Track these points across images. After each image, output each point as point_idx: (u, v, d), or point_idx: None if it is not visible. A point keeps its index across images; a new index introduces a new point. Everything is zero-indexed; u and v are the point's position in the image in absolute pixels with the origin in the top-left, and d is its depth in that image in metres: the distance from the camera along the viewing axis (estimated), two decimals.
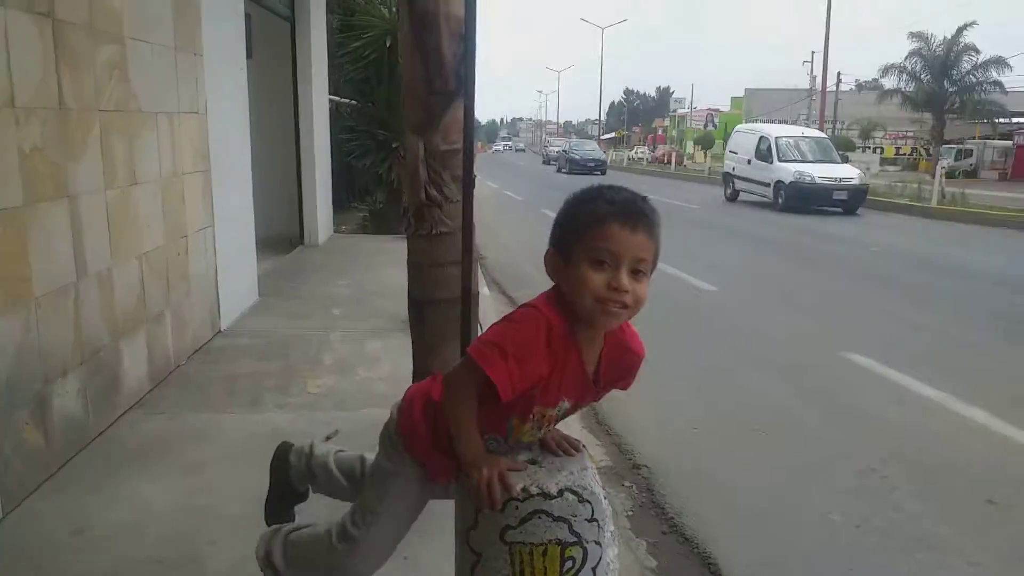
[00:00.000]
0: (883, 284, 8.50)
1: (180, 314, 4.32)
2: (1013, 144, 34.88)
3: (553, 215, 1.55)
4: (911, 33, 33.74)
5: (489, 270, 8.47)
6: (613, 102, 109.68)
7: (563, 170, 34.84)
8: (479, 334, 1.66)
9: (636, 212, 1.43)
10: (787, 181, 16.90)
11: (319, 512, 2.09)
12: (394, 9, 9.49)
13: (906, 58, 33.76)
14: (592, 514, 1.45)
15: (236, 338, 4.92)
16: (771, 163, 17.78)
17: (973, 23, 32.39)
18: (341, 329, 5.20)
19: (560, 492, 1.44)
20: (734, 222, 15.38)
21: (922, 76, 33.49)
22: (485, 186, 20.73)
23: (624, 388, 1.63)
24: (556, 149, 45.19)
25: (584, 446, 1.64)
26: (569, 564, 1.44)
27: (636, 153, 54.21)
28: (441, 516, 1.78)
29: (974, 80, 32.88)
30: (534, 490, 1.44)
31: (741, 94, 59.71)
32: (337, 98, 10.82)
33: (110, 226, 3.44)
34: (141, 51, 3.76)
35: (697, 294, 7.55)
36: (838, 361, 5.27)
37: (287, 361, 4.48)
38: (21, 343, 2.75)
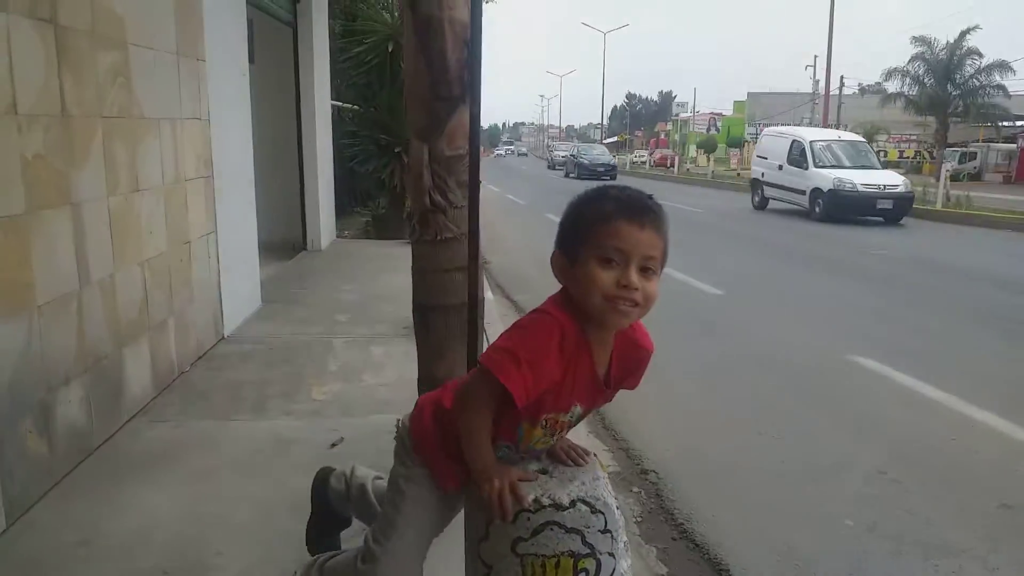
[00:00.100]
0: (889, 287, 8.47)
1: (183, 321, 4.30)
2: (1017, 147, 34.83)
3: (557, 219, 1.53)
4: (914, 37, 33.69)
5: (493, 274, 8.44)
6: (615, 106, 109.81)
7: (571, 175, 34.40)
8: (486, 341, 1.63)
9: (643, 209, 1.41)
10: (825, 189, 15.53)
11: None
12: (396, 14, 9.51)
13: (909, 62, 33.70)
14: (605, 525, 1.42)
15: (240, 344, 4.90)
16: (806, 169, 16.42)
17: (976, 27, 32.37)
18: (345, 335, 5.18)
19: (572, 503, 1.41)
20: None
21: (925, 80, 33.42)
22: (488, 190, 20.66)
23: (632, 387, 1.60)
24: (562, 154, 44.54)
25: (595, 455, 1.61)
26: None
27: (636, 157, 54.18)
28: (451, 528, 1.76)
29: (977, 84, 32.79)
30: (546, 501, 1.41)
31: (744, 98, 59.76)
32: (339, 103, 10.82)
33: (113, 233, 3.42)
34: (143, 57, 3.75)
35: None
36: (844, 364, 5.23)
37: (291, 367, 4.46)
38: (24, 351, 2.73)
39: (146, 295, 3.79)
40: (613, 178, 31.64)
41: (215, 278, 4.85)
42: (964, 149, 36.32)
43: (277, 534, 2.60)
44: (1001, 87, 32.62)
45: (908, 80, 34.10)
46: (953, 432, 4.04)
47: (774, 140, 18.75)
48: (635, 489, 3.36)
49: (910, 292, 8.15)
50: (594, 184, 1.60)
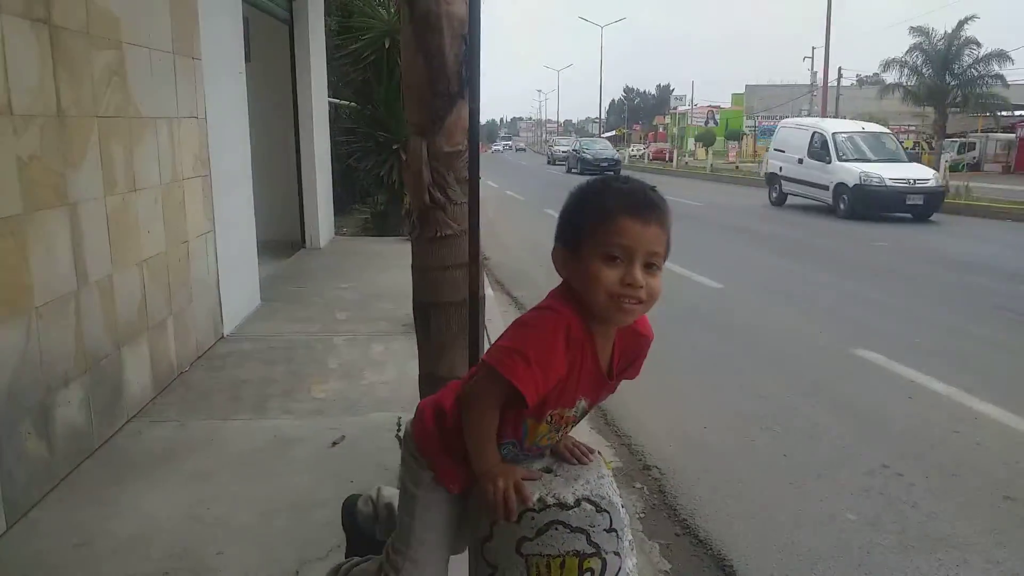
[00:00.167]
0: (892, 279, 8.45)
1: (182, 320, 4.28)
2: (1016, 137, 34.77)
3: (556, 215, 1.51)
4: (912, 27, 33.62)
5: (492, 271, 8.42)
6: (613, 100, 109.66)
7: (573, 170, 33.70)
8: (487, 338, 1.61)
9: (647, 204, 1.39)
10: (851, 184, 14.49)
11: None
12: (392, 10, 9.46)
13: (907, 53, 33.64)
14: (611, 524, 1.41)
15: (239, 343, 4.89)
16: (829, 163, 15.35)
17: (974, 17, 32.31)
18: (345, 333, 5.16)
19: (577, 502, 1.40)
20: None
21: (923, 70, 33.37)
22: (487, 186, 20.54)
23: (632, 377, 1.58)
24: (563, 148, 43.83)
25: (600, 453, 1.59)
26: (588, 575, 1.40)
27: (633, 151, 54.06)
28: None
29: (976, 74, 32.74)
30: (550, 500, 1.39)
31: (742, 90, 59.63)
32: (337, 100, 10.79)
33: (110, 233, 3.40)
34: (139, 56, 3.73)
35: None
36: (847, 357, 5.22)
37: (291, 366, 4.44)
38: (23, 353, 2.71)
39: (145, 295, 3.78)
40: (617, 174, 31.21)
41: (214, 277, 4.83)
42: (963, 139, 36.28)
43: (278, 534, 2.59)
44: (1000, 77, 32.58)
45: (906, 71, 34.06)
46: (956, 425, 4.03)
47: (792, 132, 17.54)
48: (638, 485, 3.35)
49: (911, 284, 8.14)
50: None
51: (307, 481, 2.99)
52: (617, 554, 1.42)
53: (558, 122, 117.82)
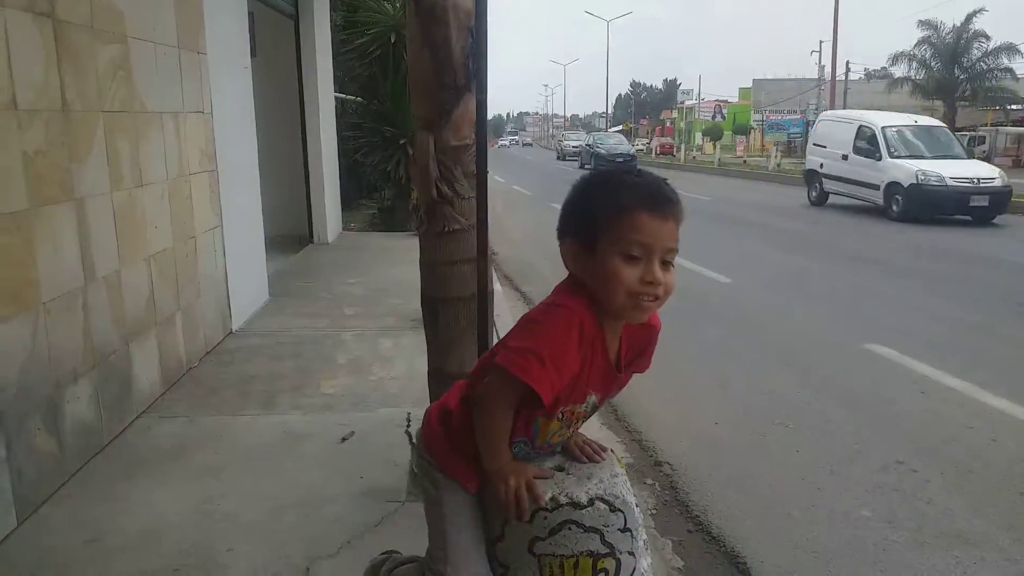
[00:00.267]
0: (901, 274, 8.39)
1: (191, 316, 4.27)
2: None
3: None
4: (920, 21, 33.47)
5: (500, 266, 8.41)
6: (620, 94, 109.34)
7: (587, 166, 33.18)
8: (496, 333, 1.57)
9: (664, 199, 1.36)
10: (906, 183, 13.12)
11: None
12: (398, 4, 9.43)
13: (915, 46, 33.48)
14: (625, 523, 1.38)
15: (248, 339, 4.88)
16: (879, 159, 14.00)
17: (982, 10, 32.10)
18: (354, 328, 5.15)
19: (591, 501, 1.37)
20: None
21: (932, 64, 33.18)
22: (493, 181, 20.45)
23: (643, 369, 1.55)
24: (573, 144, 42.38)
25: (613, 451, 1.57)
26: None
27: (637, 144, 53.82)
28: None
29: (985, 67, 32.54)
30: (563, 500, 1.37)
31: (749, 84, 59.36)
32: (343, 95, 10.76)
33: (117, 228, 3.39)
34: (144, 51, 3.71)
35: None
36: (859, 352, 5.18)
37: (300, 361, 4.43)
38: (31, 349, 2.70)
39: (152, 291, 3.76)
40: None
41: (222, 273, 4.82)
42: (972, 133, 36.00)
43: (288, 530, 2.58)
44: (1009, 70, 32.40)
45: (915, 64, 33.88)
46: (971, 420, 3.99)
47: (834, 126, 16.10)
48: (649, 481, 3.32)
49: (923, 279, 8.08)
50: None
51: (316, 477, 2.97)
52: (632, 554, 1.40)
53: (564, 117, 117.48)
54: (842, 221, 13.69)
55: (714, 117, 53.25)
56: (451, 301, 2.76)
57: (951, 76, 32.86)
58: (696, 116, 56.35)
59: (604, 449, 1.57)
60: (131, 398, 3.50)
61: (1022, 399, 4.20)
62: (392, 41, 9.37)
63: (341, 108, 10.65)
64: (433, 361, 2.83)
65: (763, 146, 41.55)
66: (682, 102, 64.52)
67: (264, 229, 5.94)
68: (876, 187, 14.00)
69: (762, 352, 5.30)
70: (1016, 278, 7.98)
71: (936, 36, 33.08)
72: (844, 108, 36.24)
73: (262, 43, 7.75)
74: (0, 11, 2.56)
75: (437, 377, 2.76)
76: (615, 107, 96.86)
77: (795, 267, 8.81)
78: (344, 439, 3.32)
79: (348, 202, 10.84)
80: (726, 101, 56.47)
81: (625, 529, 1.39)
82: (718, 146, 39.69)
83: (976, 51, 32.67)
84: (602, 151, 31.35)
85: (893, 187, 13.54)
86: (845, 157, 15.03)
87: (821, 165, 15.95)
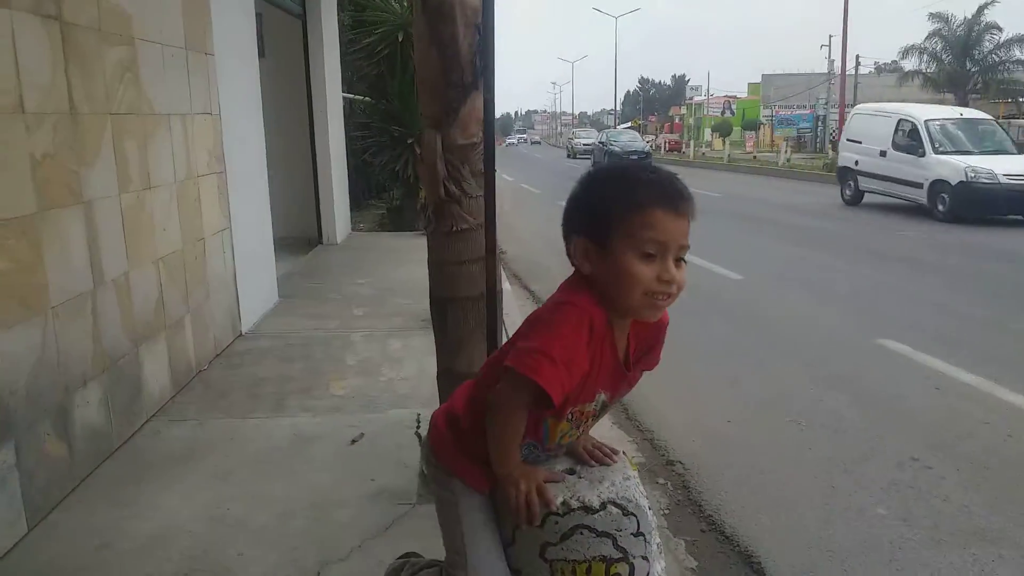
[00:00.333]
0: (914, 269, 8.32)
1: (200, 318, 4.27)
2: None
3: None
4: (931, 14, 33.24)
5: (509, 265, 8.38)
6: (628, 91, 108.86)
7: (600, 164, 32.66)
8: (505, 333, 1.54)
9: (678, 195, 1.33)
10: (953, 181, 12.18)
11: None
12: (405, 3, 9.41)
13: (926, 39, 33.23)
14: (638, 528, 1.36)
15: (257, 341, 4.88)
16: (922, 156, 12.96)
17: (994, 1, 31.82)
18: (363, 329, 5.14)
19: (603, 505, 1.35)
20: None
21: (943, 57, 32.93)
22: (501, 179, 20.35)
23: (651, 367, 1.52)
24: (584, 142, 41.24)
25: (624, 453, 1.54)
26: None
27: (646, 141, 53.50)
28: None
29: (997, 59, 32.27)
30: (575, 504, 1.34)
31: (758, 80, 59.04)
32: (351, 95, 10.76)
33: (126, 231, 3.39)
34: (151, 52, 3.70)
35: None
36: (872, 348, 5.13)
37: (310, 363, 4.42)
38: (40, 354, 2.70)
39: (161, 293, 3.76)
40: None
41: (231, 275, 4.82)
42: None
43: (298, 534, 2.57)
44: (1021, 62, 32.11)
45: (925, 58, 33.64)
46: (987, 416, 3.94)
47: (870, 120, 14.89)
48: (661, 480, 3.29)
49: (937, 274, 8.00)
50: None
51: (327, 480, 2.96)
52: (645, 558, 1.37)
53: (573, 114, 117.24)
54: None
55: (723, 113, 52.94)
56: (460, 301, 2.74)
57: (962, 69, 32.60)
58: (705, 112, 56.10)
59: (616, 452, 1.55)
60: (141, 402, 3.50)
61: None
62: (400, 40, 9.36)
63: (349, 108, 10.65)
64: (442, 361, 2.82)
65: (773, 141, 41.30)
66: (691, 98, 64.25)
67: (273, 230, 5.94)
68: (919, 185, 13.01)
69: (773, 349, 5.26)
70: None
71: (947, 29, 32.84)
72: (855, 102, 36.07)
73: (270, 43, 7.76)
74: (7, 14, 2.55)
75: (447, 377, 2.74)
76: (624, 104, 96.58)
77: (812, 264, 8.74)
78: (354, 441, 3.30)
79: (357, 202, 10.84)
80: (735, 97, 56.15)
81: (638, 533, 1.36)
82: (727, 142, 39.53)
83: (988, 43, 32.42)
84: (616, 148, 30.23)
85: (938, 185, 12.58)
86: (883, 153, 13.98)
87: (856, 162, 14.78)
